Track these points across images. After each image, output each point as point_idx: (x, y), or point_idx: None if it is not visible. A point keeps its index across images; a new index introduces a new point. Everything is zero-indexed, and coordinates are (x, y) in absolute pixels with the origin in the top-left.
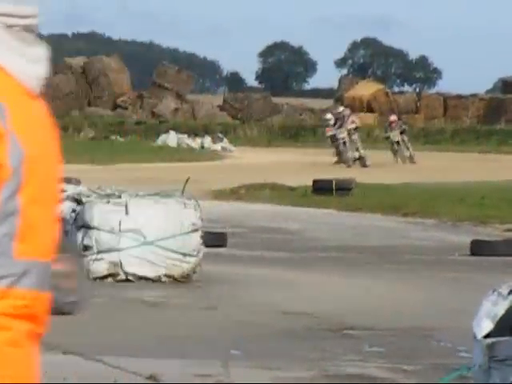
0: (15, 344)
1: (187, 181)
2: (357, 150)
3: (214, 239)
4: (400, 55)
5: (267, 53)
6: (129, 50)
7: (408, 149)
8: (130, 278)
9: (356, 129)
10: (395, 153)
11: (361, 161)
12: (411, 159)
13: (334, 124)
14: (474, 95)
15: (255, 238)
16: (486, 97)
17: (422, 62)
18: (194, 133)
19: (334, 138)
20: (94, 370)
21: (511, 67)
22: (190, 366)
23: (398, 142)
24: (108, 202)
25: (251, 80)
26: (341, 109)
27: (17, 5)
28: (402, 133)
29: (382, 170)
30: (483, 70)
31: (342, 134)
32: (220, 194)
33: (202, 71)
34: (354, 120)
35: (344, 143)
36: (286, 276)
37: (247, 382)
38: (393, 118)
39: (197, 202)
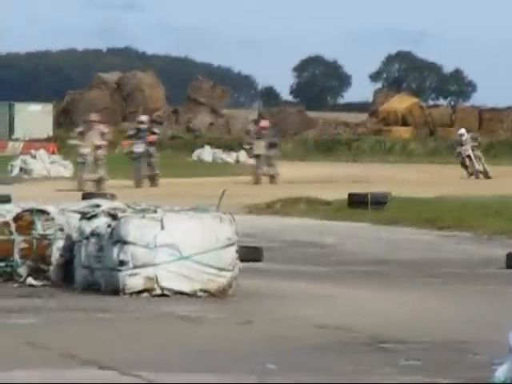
0: None
1: (223, 194)
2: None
3: (249, 254)
4: (434, 68)
5: (302, 67)
6: (163, 65)
7: (272, 165)
8: (165, 292)
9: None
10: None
11: (151, 180)
12: (272, 178)
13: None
14: (509, 108)
15: (291, 252)
16: None
17: (457, 75)
18: (229, 147)
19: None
20: None
21: None
22: (227, 381)
23: (258, 156)
24: (143, 217)
25: (286, 94)
26: (142, 118)
27: None
28: (271, 146)
29: (417, 184)
30: None
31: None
32: (255, 209)
33: (236, 86)
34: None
35: (149, 156)
36: (321, 290)
37: None
38: (262, 123)
39: (232, 217)
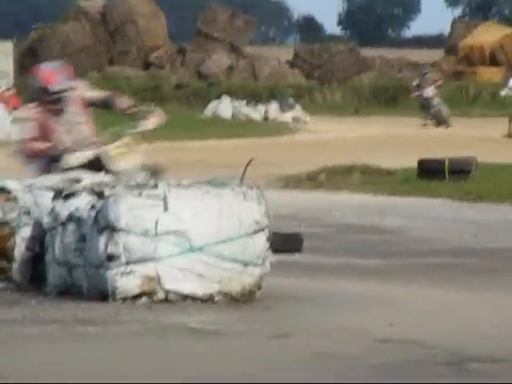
0: None
1: (249, 163)
2: None
3: (285, 242)
4: None
5: None
6: None
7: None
8: (171, 297)
9: None
10: None
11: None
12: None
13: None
14: None
15: (340, 239)
16: None
17: None
18: (255, 99)
19: None
20: None
21: None
22: None
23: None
24: (140, 195)
25: (332, 26)
26: None
27: None
28: None
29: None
30: None
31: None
32: (292, 181)
33: (264, 15)
34: None
35: None
36: (382, 291)
37: None
38: None
39: (261, 193)
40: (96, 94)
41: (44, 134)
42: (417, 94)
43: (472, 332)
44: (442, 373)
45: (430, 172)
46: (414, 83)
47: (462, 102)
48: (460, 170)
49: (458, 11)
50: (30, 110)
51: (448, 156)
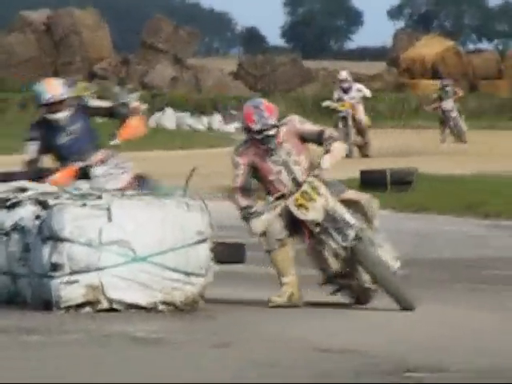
0: None
1: (192, 173)
2: None
3: (227, 252)
4: (476, 1)
5: (296, 1)
6: (108, 0)
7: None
8: (115, 306)
9: None
10: None
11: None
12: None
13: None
14: None
15: None
16: None
17: (506, 10)
18: (198, 110)
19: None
20: None
21: None
22: None
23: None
24: (84, 205)
25: (275, 38)
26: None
27: None
28: None
29: (453, 156)
30: None
31: None
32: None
33: (208, 27)
34: None
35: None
36: (325, 302)
37: None
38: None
39: (204, 203)
40: (311, 127)
41: (260, 177)
42: (435, 106)
43: (412, 343)
44: (382, 381)
45: (372, 183)
46: (435, 95)
47: (404, 113)
48: (401, 181)
49: (400, 24)
50: (240, 154)
51: (389, 166)
